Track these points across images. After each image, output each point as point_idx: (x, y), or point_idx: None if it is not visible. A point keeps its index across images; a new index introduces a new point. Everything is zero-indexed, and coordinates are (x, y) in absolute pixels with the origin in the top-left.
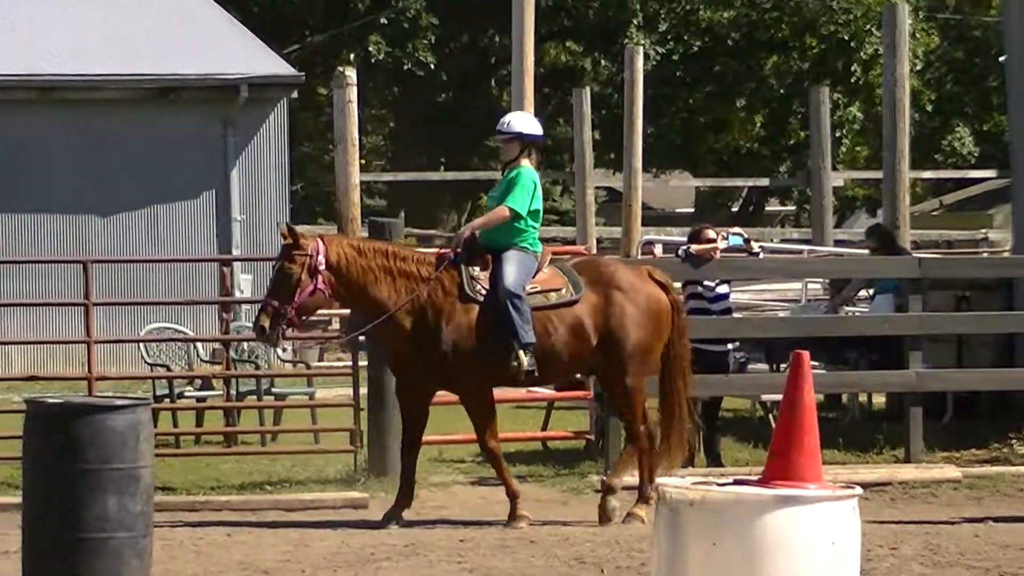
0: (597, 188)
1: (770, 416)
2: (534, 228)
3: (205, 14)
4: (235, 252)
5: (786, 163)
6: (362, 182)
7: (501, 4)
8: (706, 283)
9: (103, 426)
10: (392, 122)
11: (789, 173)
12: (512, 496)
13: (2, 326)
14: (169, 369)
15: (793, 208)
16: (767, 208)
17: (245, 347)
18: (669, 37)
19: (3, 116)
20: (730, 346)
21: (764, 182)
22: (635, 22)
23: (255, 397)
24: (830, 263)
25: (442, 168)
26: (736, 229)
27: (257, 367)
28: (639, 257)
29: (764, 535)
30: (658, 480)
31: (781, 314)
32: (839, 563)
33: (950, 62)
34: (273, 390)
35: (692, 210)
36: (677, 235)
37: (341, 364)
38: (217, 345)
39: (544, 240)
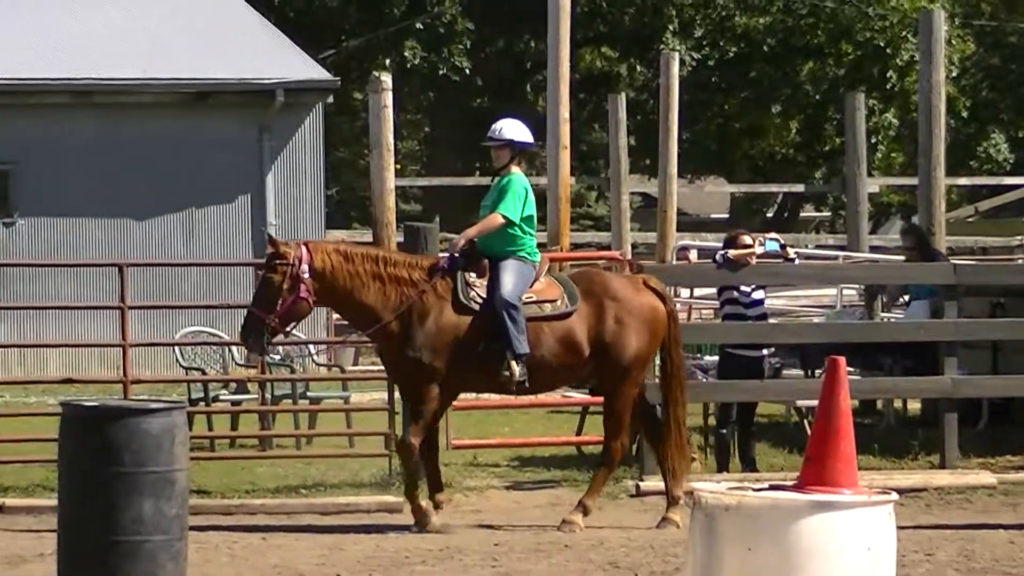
0: (632, 194)
1: (805, 421)
2: (530, 235)
3: (241, 19)
4: None
5: (821, 169)
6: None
7: (537, 9)
8: (742, 288)
9: (139, 429)
10: (427, 127)
11: (824, 179)
12: (412, 501)
13: (38, 329)
14: (204, 373)
15: (828, 214)
16: (802, 214)
17: (280, 351)
18: (705, 43)
19: (40, 120)
20: (765, 351)
21: (799, 188)
22: (671, 28)
23: (290, 401)
24: (865, 269)
25: (477, 173)
26: (772, 235)
27: (292, 371)
28: (674, 262)
29: (800, 540)
30: (695, 486)
31: (816, 320)
32: (874, 569)
33: (986, 68)
34: (308, 394)
35: (727, 216)
36: (712, 240)
37: (376, 368)
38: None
39: (579, 246)
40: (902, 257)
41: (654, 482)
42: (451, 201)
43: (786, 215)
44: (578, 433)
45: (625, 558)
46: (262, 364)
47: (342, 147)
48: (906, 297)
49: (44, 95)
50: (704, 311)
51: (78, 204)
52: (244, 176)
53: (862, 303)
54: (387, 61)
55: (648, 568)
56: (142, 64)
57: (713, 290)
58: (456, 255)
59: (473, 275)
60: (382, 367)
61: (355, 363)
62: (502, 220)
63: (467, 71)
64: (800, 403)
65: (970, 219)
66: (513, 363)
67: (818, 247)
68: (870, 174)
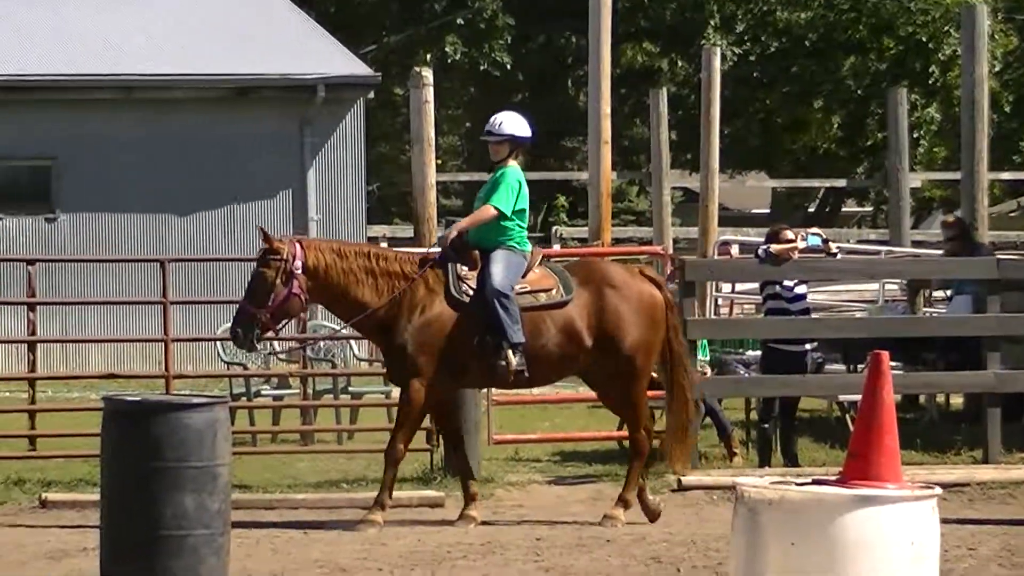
0: (674, 188)
1: (847, 416)
2: (521, 227)
3: (283, 15)
4: None
5: (863, 164)
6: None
7: (578, 5)
8: (784, 283)
9: (181, 424)
10: (468, 122)
11: (866, 174)
12: (379, 504)
13: (81, 324)
14: (246, 368)
15: (870, 209)
16: (844, 209)
17: (321, 346)
18: (746, 38)
19: (83, 116)
20: (808, 346)
21: (841, 183)
22: (712, 23)
23: (332, 396)
24: (908, 264)
25: None
26: (814, 230)
27: (334, 366)
28: (715, 257)
29: (843, 535)
30: (738, 480)
31: (858, 315)
32: (918, 563)
33: None
34: (350, 389)
35: (769, 211)
36: (754, 235)
37: None
38: (293, 344)
39: (620, 240)
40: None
41: (696, 477)
42: None
43: (828, 210)
44: (619, 428)
45: (667, 553)
46: (304, 359)
47: (383, 142)
48: (949, 292)
49: (86, 91)
50: (746, 306)
51: (120, 200)
52: (285, 172)
53: (904, 298)
54: (428, 56)
55: (690, 563)
56: (184, 60)
57: (755, 285)
58: (446, 248)
59: (464, 268)
60: None
61: None
62: (494, 212)
63: (508, 66)
64: (843, 398)
65: (1013, 214)
66: (509, 352)
67: (860, 242)
68: (912, 169)
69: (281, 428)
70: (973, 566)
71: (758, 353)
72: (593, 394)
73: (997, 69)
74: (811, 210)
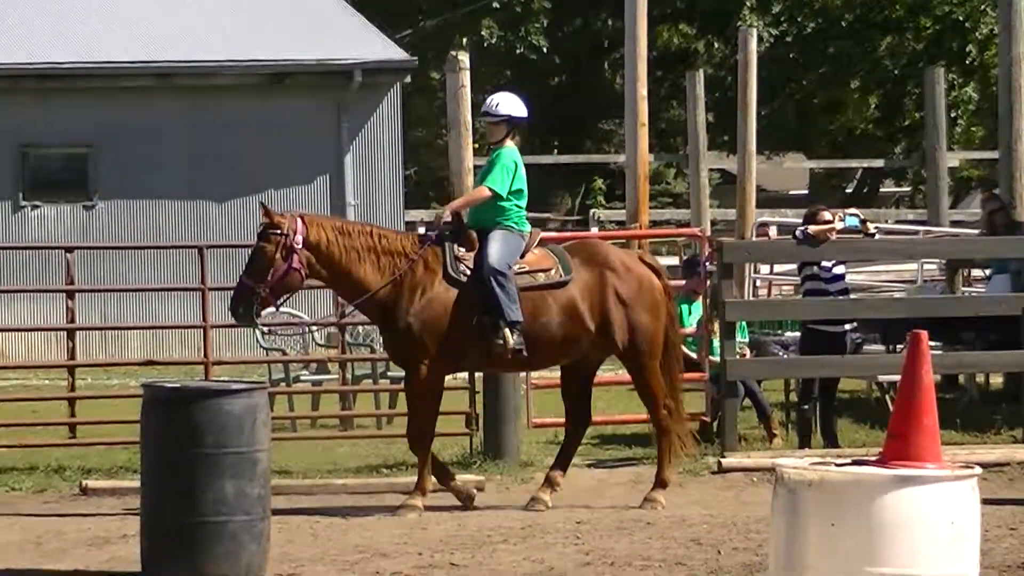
0: (711, 170)
1: (887, 397)
2: (519, 208)
3: (319, 0)
4: None
5: (901, 144)
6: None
7: None
8: (823, 264)
9: (220, 410)
10: None
11: (904, 154)
12: (419, 490)
13: (119, 311)
14: (285, 353)
15: (908, 189)
16: (882, 189)
17: (360, 331)
18: (783, 19)
19: (120, 103)
20: (847, 327)
21: (879, 163)
22: (748, 4)
23: (371, 381)
24: (946, 244)
25: (555, 151)
26: (852, 210)
27: (373, 351)
28: (754, 239)
29: (883, 515)
30: (778, 462)
31: (897, 295)
32: (958, 543)
33: None
34: (388, 373)
35: (806, 192)
36: (792, 217)
37: None
38: (332, 329)
39: (658, 223)
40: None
41: (736, 459)
42: (529, 179)
43: (866, 190)
44: None
45: (707, 535)
46: (343, 344)
47: (420, 127)
48: (987, 271)
49: (123, 78)
50: (784, 287)
51: (158, 186)
52: (322, 157)
53: (943, 278)
54: (464, 40)
55: (730, 545)
56: (221, 46)
57: (793, 266)
58: (439, 228)
59: (462, 249)
60: None
61: None
62: (488, 193)
63: (544, 50)
64: (882, 378)
65: None
66: (506, 331)
67: (898, 222)
68: (950, 148)
69: (320, 413)
70: (1013, 545)
71: (797, 334)
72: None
73: None
74: (849, 191)
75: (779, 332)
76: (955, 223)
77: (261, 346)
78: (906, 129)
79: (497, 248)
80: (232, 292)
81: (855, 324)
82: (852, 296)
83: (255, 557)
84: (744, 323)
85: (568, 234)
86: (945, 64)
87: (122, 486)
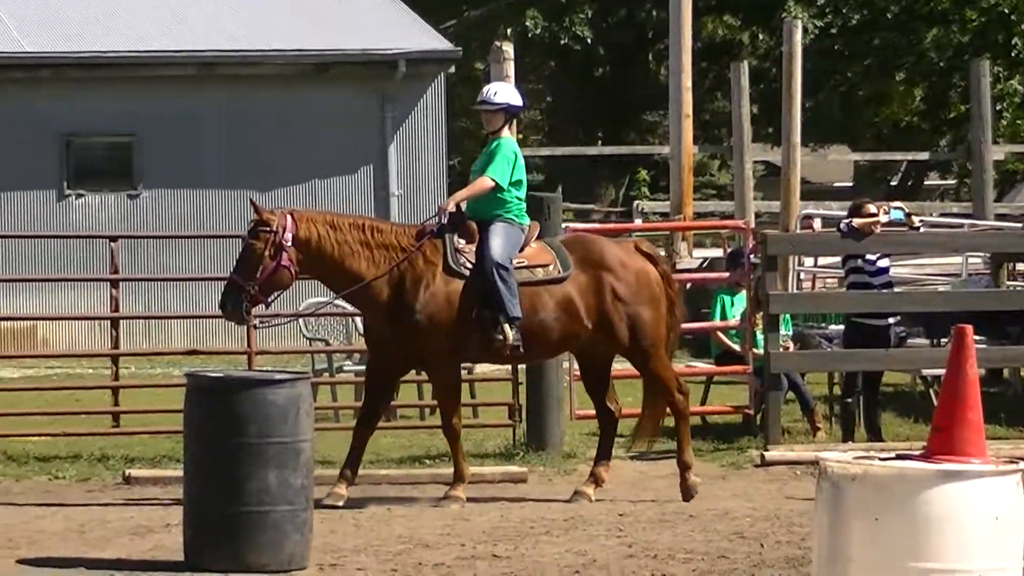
0: (755, 162)
1: (931, 391)
2: (519, 200)
3: None
4: None
5: (946, 137)
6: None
7: None
8: (867, 257)
9: (264, 400)
10: (549, 96)
11: (949, 147)
12: (458, 478)
13: (163, 300)
14: (328, 343)
15: (953, 182)
16: (927, 182)
17: None
18: (827, 11)
19: (164, 92)
20: (891, 320)
21: (924, 156)
22: None
23: (412, 372)
24: (991, 237)
25: (599, 143)
26: (897, 203)
27: None
28: (798, 231)
29: (927, 510)
30: (821, 455)
31: (941, 288)
32: (1003, 538)
33: None
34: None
35: (851, 184)
36: (836, 209)
37: None
38: None
39: (702, 215)
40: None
41: (780, 452)
42: (573, 171)
43: (910, 183)
44: (702, 403)
45: (750, 528)
46: None
47: (464, 117)
48: None
49: (168, 67)
50: (828, 280)
51: (201, 175)
52: (366, 147)
53: (987, 271)
54: (508, 31)
55: (774, 538)
56: (265, 36)
57: (838, 259)
58: (443, 220)
59: (462, 241)
60: None
61: None
62: (491, 183)
63: (588, 40)
64: (926, 372)
65: None
66: (506, 327)
67: (943, 215)
68: (995, 141)
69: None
70: None
71: (841, 327)
72: (676, 369)
73: None
74: (893, 183)
75: (823, 325)
76: (1000, 216)
77: (304, 336)
78: (951, 122)
79: (500, 242)
80: (223, 289)
81: (899, 317)
82: (896, 289)
83: (298, 547)
84: (788, 316)
85: (653, 224)
86: (991, 56)
87: (165, 475)
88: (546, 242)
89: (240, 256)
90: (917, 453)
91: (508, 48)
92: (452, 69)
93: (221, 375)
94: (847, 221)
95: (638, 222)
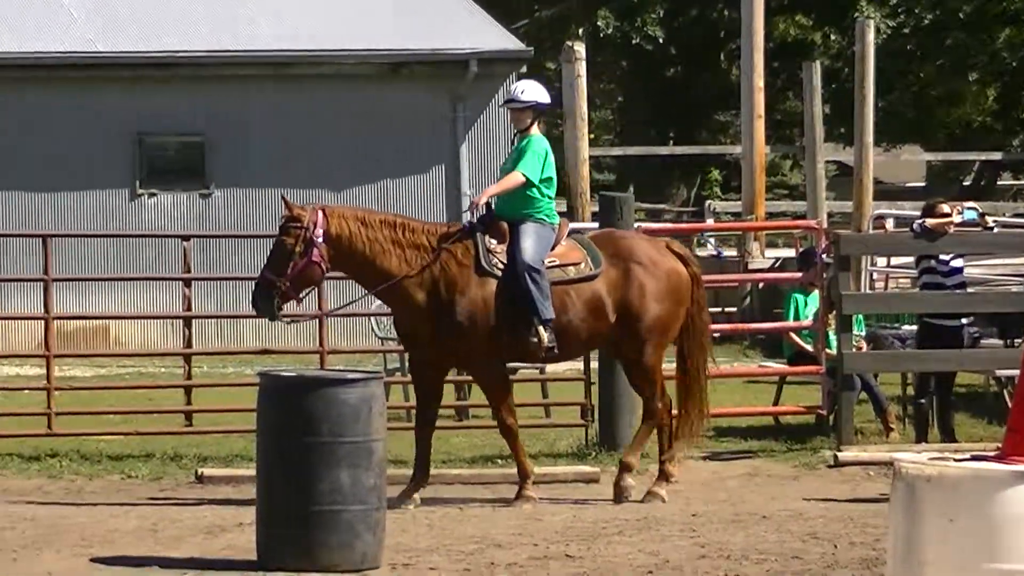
0: (827, 162)
1: (1004, 392)
2: (549, 199)
3: None
4: None
5: (1019, 136)
6: (591, 156)
7: None
8: (940, 257)
9: (337, 399)
10: (621, 96)
11: (1022, 147)
12: (523, 476)
13: (235, 300)
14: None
15: None
16: (1000, 182)
17: None
18: (900, 10)
19: (236, 92)
20: (964, 320)
21: (997, 156)
22: None
23: None
24: None
25: (671, 142)
26: (970, 204)
27: None
28: (871, 232)
29: (1002, 511)
30: (895, 456)
31: (1015, 288)
32: None
33: None
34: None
35: (923, 184)
36: (909, 209)
37: None
38: None
39: (774, 215)
40: None
41: (853, 452)
42: (645, 170)
43: (983, 183)
44: (775, 403)
45: (824, 529)
46: None
47: None
48: None
49: (240, 67)
50: (901, 280)
51: (273, 175)
52: (438, 146)
53: None
54: (580, 31)
55: (847, 539)
56: (337, 36)
57: (910, 259)
58: (475, 216)
59: (493, 241)
60: None
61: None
62: (522, 179)
63: (660, 40)
64: (999, 373)
65: None
66: (540, 328)
67: (1016, 215)
68: None
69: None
70: None
71: (914, 328)
72: (749, 369)
73: None
74: (966, 183)
75: (896, 325)
76: None
77: (376, 335)
78: None
79: (532, 243)
80: (254, 285)
81: (972, 318)
82: (970, 290)
83: (370, 547)
84: (861, 316)
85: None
86: None
87: (238, 474)
88: (576, 239)
89: (271, 252)
90: (992, 454)
91: (580, 48)
92: (524, 69)
93: (294, 374)
94: (920, 221)
95: (710, 222)
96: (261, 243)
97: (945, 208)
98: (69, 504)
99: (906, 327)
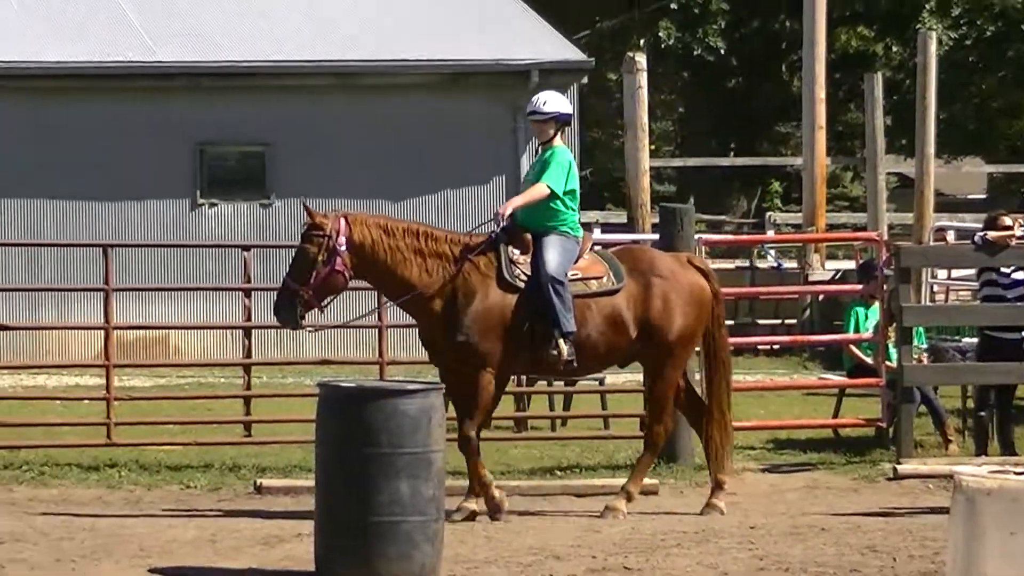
0: (888, 174)
1: None
2: (573, 211)
3: (497, 0)
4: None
5: None
6: (651, 168)
7: None
8: (1002, 270)
9: (396, 410)
10: (681, 107)
11: None
12: (481, 491)
13: None
14: None
15: None
16: None
17: None
18: (962, 22)
19: (297, 102)
20: None
21: None
22: (928, 7)
23: (545, 383)
24: None
25: (731, 153)
26: None
27: None
28: (931, 244)
29: None
30: (955, 469)
31: None
32: None
33: None
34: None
35: (985, 196)
36: (970, 221)
37: None
38: None
39: (835, 227)
40: None
41: (912, 465)
42: (706, 182)
43: None
44: (835, 416)
45: (883, 542)
46: None
47: (597, 128)
48: None
49: (300, 77)
50: (962, 292)
51: (333, 185)
52: (499, 157)
53: None
54: (641, 42)
55: (906, 552)
56: (397, 46)
57: (971, 271)
58: (498, 231)
59: (516, 252)
60: None
61: None
62: (547, 190)
63: (722, 51)
64: None
65: None
66: (561, 342)
67: None
68: None
69: (495, 415)
70: None
71: (974, 340)
72: (808, 381)
73: None
74: None
75: (957, 338)
76: None
77: None
78: None
79: (556, 255)
80: (277, 293)
81: None
82: None
83: (429, 558)
84: (921, 329)
85: (786, 236)
86: None
87: (296, 485)
88: (598, 253)
89: (293, 260)
90: None
91: (641, 59)
92: (585, 80)
93: (353, 385)
94: (982, 234)
95: (770, 234)
96: None
97: (1007, 220)
98: (128, 515)
99: (966, 340)
